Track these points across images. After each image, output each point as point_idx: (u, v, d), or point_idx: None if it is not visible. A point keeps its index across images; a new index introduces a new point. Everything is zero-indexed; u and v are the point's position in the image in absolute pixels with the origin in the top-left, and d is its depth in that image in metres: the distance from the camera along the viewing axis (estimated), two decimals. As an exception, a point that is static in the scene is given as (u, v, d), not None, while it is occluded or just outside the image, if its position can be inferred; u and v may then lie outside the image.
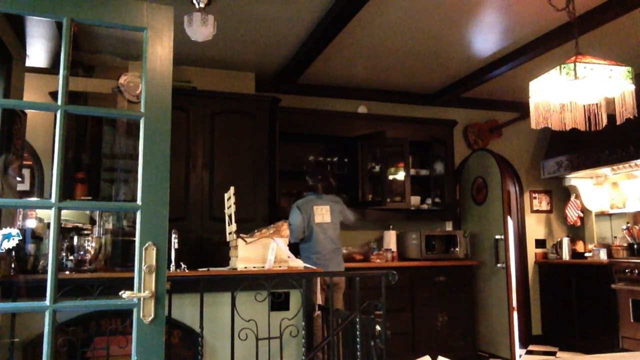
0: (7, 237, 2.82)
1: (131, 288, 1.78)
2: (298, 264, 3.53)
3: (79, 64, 4.46)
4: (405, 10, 4.12)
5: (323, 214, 4.63)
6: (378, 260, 5.49)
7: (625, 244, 5.88)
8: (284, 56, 5.08)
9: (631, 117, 3.19)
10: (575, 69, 3.07)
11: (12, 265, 3.01)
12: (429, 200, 5.98)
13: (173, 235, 3.52)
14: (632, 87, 3.16)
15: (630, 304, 5.22)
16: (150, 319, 1.78)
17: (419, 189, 6.02)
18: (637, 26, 4.45)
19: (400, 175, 5.75)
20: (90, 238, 3.28)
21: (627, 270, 5.30)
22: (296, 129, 5.49)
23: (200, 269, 3.56)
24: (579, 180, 6.39)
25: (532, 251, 6.57)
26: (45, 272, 1.72)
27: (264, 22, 4.28)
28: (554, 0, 3.45)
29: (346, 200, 5.70)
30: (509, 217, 5.69)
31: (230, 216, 3.64)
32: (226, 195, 3.76)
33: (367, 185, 5.62)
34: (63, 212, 1.78)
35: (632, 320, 5.19)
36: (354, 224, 5.14)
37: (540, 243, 6.62)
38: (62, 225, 3.30)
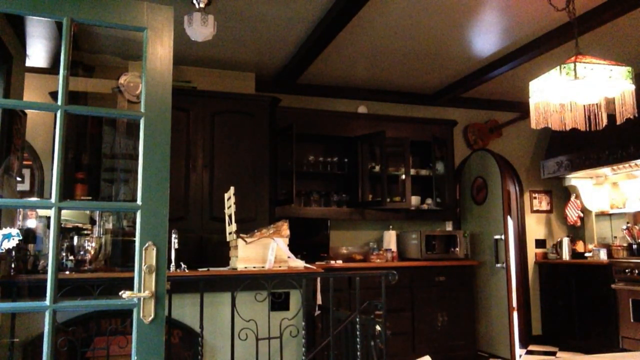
0: (7, 237, 2.81)
1: (131, 288, 1.78)
2: (298, 264, 3.53)
3: (79, 64, 4.46)
4: (405, 11, 4.12)
5: None
6: (378, 260, 5.49)
7: (625, 244, 5.88)
8: (284, 56, 5.07)
9: (631, 117, 3.19)
10: (575, 69, 3.07)
11: (12, 265, 3.02)
12: (429, 200, 5.98)
13: (173, 235, 3.51)
14: (632, 87, 3.16)
15: (630, 304, 5.21)
16: (150, 319, 1.78)
17: (419, 189, 6.02)
18: (637, 26, 4.45)
19: (401, 175, 5.75)
20: (90, 238, 3.28)
21: (627, 271, 5.30)
22: (296, 129, 5.48)
23: (200, 269, 3.56)
24: (579, 180, 6.39)
25: (532, 251, 6.57)
26: (45, 272, 1.73)
27: (264, 22, 4.28)
28: (554, 0, 3.46)
29: (346, 200, 5.74)
30: (509, 217, 5.69)
31: (230, 216, 3.64)
32: (226, 195, 3.76)
33: (367, 185, 5.62)
34: (63, 212, 1.78)
35: (632, 320, 5.19)
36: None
37: (540, 243, 6.62)
38: (62, 225, 3.30)
